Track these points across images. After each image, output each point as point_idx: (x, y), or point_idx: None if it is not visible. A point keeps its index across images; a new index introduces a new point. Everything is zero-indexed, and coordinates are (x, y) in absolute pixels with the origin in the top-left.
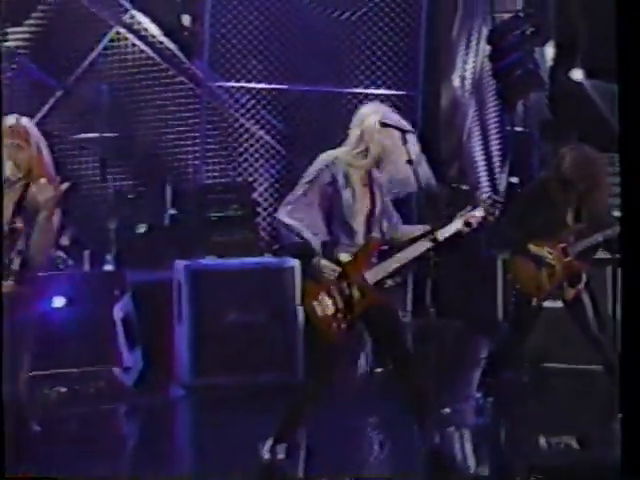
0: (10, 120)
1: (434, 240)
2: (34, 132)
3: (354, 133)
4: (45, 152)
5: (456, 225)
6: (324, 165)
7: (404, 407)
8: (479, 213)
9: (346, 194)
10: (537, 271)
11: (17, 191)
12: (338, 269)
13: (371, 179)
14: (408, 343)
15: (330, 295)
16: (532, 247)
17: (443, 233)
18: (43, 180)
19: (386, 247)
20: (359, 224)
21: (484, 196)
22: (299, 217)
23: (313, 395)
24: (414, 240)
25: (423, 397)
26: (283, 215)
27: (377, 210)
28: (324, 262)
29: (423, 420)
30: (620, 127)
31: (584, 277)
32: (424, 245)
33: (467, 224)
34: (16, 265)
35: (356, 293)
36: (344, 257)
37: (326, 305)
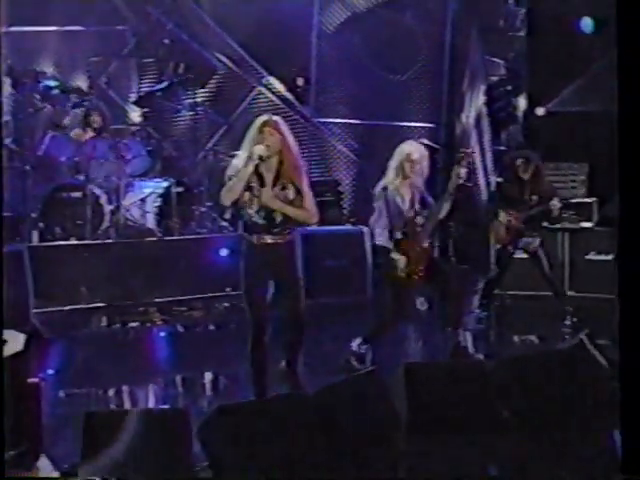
0: (264, 117)
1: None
2: (281, 123)
3: (393, 163)
4: (288, 136)
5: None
6: (380, 190)
7: (445, 318)
8: (463, 170)
9: (398, 200)
10: (501, 228)
11: (273, 164)
12: (401, 257)
13: (409, 186)
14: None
15: (402, 257)
16: (500, 215)
17: (451, 185)
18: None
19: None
20: (409, 214)
21: (459, 156)
22: (382, 223)
23: (393, 319)
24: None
25: (457, 312)
26: (371, 222)
27: (416, 204)
28: (394, 255)
29: (457, 326)
30: (619, 126)
31: (537, 238)
32: (446, 208)
33: (459, 177)
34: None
35: (415, 254)
36: (402, 236)
37: (400, 262)
